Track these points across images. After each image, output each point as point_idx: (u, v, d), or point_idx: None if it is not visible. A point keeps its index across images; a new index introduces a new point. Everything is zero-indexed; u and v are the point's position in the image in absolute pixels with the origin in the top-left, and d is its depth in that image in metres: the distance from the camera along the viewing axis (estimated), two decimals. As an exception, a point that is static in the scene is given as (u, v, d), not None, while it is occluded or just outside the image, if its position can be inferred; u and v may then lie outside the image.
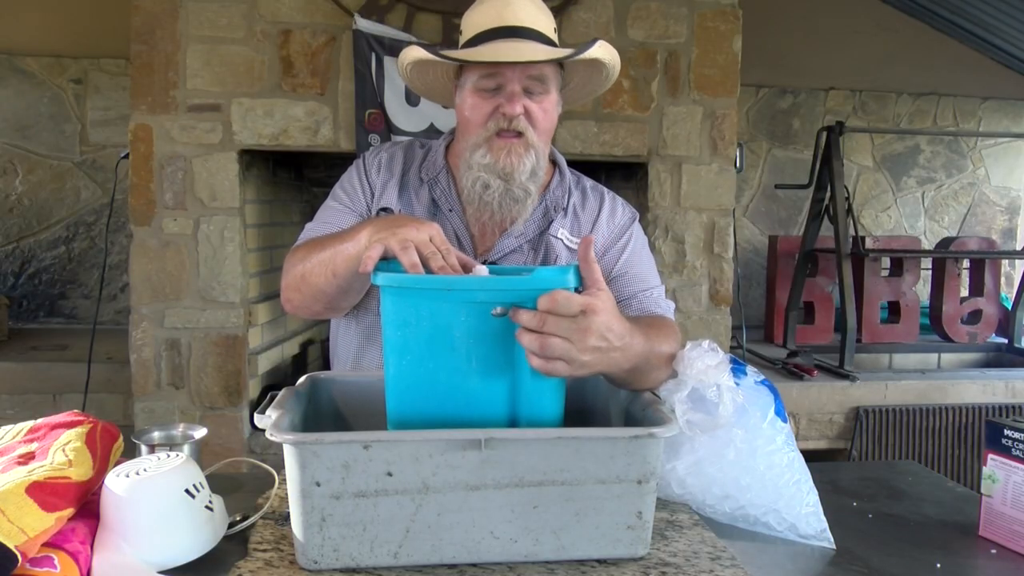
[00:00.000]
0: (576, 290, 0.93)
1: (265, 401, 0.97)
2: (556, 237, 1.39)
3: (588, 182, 1.49)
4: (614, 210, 1.46)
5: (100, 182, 3.62)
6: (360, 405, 1.12)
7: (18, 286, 3.65)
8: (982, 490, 1.06)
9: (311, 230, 1.38)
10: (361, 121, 2.56)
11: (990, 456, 1.05)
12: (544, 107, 1.29)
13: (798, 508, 1.03)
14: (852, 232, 3.27)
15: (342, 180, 1.44)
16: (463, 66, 1.31)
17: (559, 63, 1.30)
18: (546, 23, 1.31)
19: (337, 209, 1.39)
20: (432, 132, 2.55)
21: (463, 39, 1.34)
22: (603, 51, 1.29)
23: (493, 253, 1.37)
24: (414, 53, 1.32)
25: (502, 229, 1.37)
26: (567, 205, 1.41)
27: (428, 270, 1.03)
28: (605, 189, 1.49)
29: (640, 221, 1.57)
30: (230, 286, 2.58)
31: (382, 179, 1.41)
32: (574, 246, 1.38)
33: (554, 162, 1.45)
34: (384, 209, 1.38)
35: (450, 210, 1.38)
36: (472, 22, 1.32)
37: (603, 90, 1.44)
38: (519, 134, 1.27)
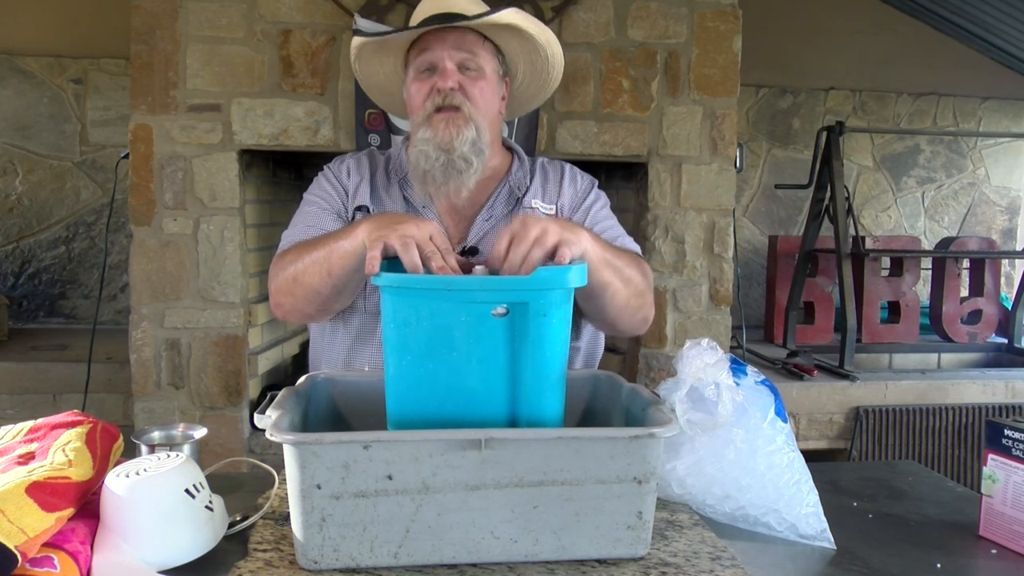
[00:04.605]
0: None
1: (265, 401, 0.97)
2: (531, 207, 1.43)
3: (543, 159, 1.54)
4: (574, 177, 1.51)
5: (100, 182, 3.62)
6: (360, 405, 1.12)
7: (18, 286, 3.65)
8: (982, 490, 1.06)
9: (291, 236, 1.38)
10: (361, 121, 2.56)
11: (990, 456, 1.05)
12: (480, 86, 1.34)
13: (798, 508, 1.03)
14: (852, 232, 3.27)
15: (311, 188, 1.47)
16: (408, 59, 1.38)
17: (496, 47, 1.37)
18: (478, 10, 1.35)
19: (315, 213, 1.41)
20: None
21: None
22: (518, 17, 1.32)
23: (469, 240, 1.40)
24: (355, 41, 1.39)
25: (471, 215, 1.42)
26: (530, 183, 1.46)
27: (427, 269, 1.03)
28: (562, 162, 1.54)
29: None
30: (230, 286, 2.58)
31: (353, 181, 1.44)
32: (549, 212, 1.44)
33: (511, 149, 1.51)
34: (359, 208, 1.41)
35: (423, 207, 1.41)
36: (413, 18, 1.39)
37: (554, 79, 1.47)
38: (456, 108, 1.31)
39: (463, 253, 1.36)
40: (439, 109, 1.32)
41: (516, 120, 2.59)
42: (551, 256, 1.03)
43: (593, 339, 1.49)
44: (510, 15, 1.31)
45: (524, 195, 1.44)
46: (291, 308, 1.30)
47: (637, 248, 1.43)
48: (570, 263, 1.03)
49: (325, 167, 1.49)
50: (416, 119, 1.35)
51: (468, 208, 1.42)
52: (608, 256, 1.19)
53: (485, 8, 1.38)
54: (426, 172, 1.32)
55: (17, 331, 3.45)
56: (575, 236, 1.07)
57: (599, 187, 1.54)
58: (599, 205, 1.48)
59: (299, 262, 1.24)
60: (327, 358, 1.43)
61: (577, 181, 1.50)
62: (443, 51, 1.31)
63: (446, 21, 1.31)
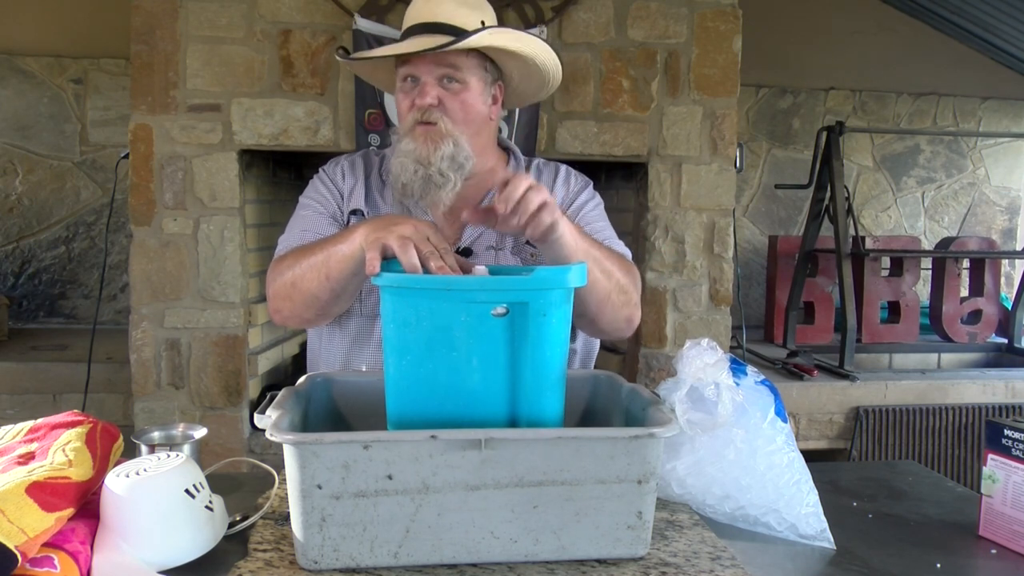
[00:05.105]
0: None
1: (265, 401, 0.97)
2: None
3: (539, 160, 1.54)
4: (567, 178, 1.51)
5: (100, 182, 3.62)
6: (360, 405, 1.12)
7: (18, 286, 3.65)
8: (982, 490, 1.06)
9: (288, 241, 1.38)
10: (361, 121, 2.56)
11: (990, 456, 1.05)
12: (462, 99, 1.33)
13: (798, 508, 1.03)
14: (852, 232, 3.27)
15: (306, 192, 1.47)
16: (397, 65, 1.38)
17: (486, 56, 1.35)
18: (470, 17, 1.34)
19: (311, 217, 1.41)
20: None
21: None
22: (495, 39, 1.31)
23: (463, 241, 1.41)
24: (338, 56, 1.43)
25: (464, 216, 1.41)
26: None
27: (426, 269, 1.04)
28: (558, 163, 1.54)
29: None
30: (230, 286, 2.58)
31: (348, 184, 1.44)
32: None
33: (507, 149, 1.51)
34: (354, 212, 1.41)
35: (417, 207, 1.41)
36: (405, 20, 1.39)
37: (551, 81, 1.46)
38: (434, 124, 1.31)
39: (457, 254, 1.36)
40: (419, 122, 1.32)
41: (516, 120, 2.59)
42: (535, 221, 1.06)
43: (588, 339, 1.49)
44: (486, 38, 1.30)
45: None
46: (290, 314, 1.30)
47: (627, 252, 1.42)
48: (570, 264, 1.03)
49: (320, 170, 1.49)
50: (400, 128, 1.36)
51: (462, 210, 1.41)
52: (586, 244, 1.19)
53: (476, 9, 1.37)
54: (404, 185, 1.33)
55: (17, 331, 3.45)
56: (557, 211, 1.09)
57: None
58: (591, 206, 1.47)
59: (296, 267, 1.24)
60: (325, 361, 1.43)
61: (570, 182, 1.50)
62: (423, 66, 1.31)
63: (428, 31, 1.31)
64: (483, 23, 1.35)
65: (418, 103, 1.31)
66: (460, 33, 1.30)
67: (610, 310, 1.26)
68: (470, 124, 1.35)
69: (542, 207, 1.07)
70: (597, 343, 1.53)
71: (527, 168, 1.49)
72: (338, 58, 1.43)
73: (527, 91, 1.48)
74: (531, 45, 1.36)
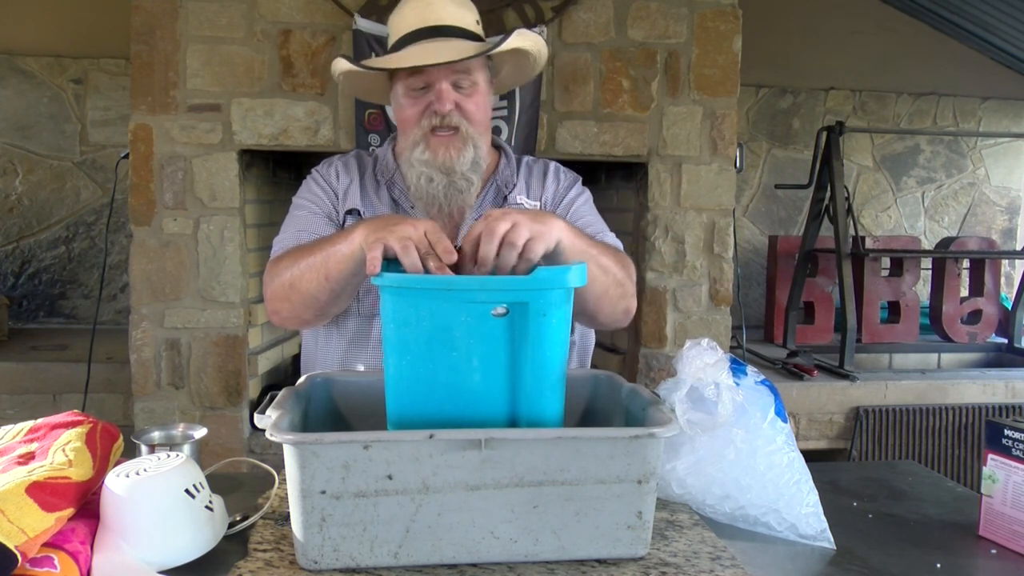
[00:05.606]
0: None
1: (265, 401, 0.97)
2: (516, 203, 1.44)
3: (528, 158, 1.55)
4: (557, 173, 1.52)
5: (100, 182, 3.62)
6: (360, 405, 1.12)
7: (18, 286, 3.65)
8: (982, 490, 1.06)
9: (284, 242, 1.38)
10: (361, 121, 2.56)
11: (990, 456, 1.05)
12: (476, 100, 1.34)
13: (798, 508, 1.03)
14: (852, 232, 3.27)
15: (300, 192, 1.47)
16: (395, 72, 1.36)
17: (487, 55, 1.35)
18: (468, 18, 1.35)
19: (306, 217, 1.40)
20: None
21: (390, 41, 1.39)
22: (523, 40, 1.33)
23: (458, 240, 1.40)
24: (340, 66, 1.39)
25: (460, 215, 1.42)
26: (517, 180, 1.47)
27: (426, 269, 1.03)
28: (547, 160, 1.56)
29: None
30: (230, 286, 2.58)
31: (343, 184, 1.44)
32: (534, 208, 1.44)
33: (498, 147, 1.52)
34: (350, 212, 1.41)
35: (411, 207, 1.41)
36: (397, 25, 1.37)
37: (532, 76, 1.51)
38: (455, 129, 1.31)
39: None
40: (434, 129, 1.31)
41: (516, 120, 2.59)
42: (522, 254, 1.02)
43: (585, 333, 1.50)
44: (518, 41, 1.31)
45: (510, 192, 1.45)
46: (289, 315, 1.30)
47: (618, 244, 1.42)
48: (569, 264, 1.03)
49: (313, 171, 1.49)
50: (411, 136, 1.35)
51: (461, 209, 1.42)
52: (583, 245, 1.17)
53: (470, 9, 1.37)
54: (428, 193, 1.33)
55: (17, 331, 3.45)
56: (546, 227, 1.05)
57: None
58: (581, 200, 1.48)
59: (295, 268, 1.24)
60: (322, 362, 1.43)
61: (560, 177, 1.51)
62: (439, 72, 1.30)
63: (435, 35, 1.31)
64: (477, 22, 1.36)
65: (438, 109, 1.30)
66: (463, 34, 1.31)
67: (608, 304, 1.27)
68: (483, 124, 1.36)
69: (530, 241, 1.02)
70: (593, 336, 1.54)
71: (517, 165, 1.50)
72: (353, 67, 1.38)
73: (514, 82, 1.52)
74: (537, 44, 1.39)
